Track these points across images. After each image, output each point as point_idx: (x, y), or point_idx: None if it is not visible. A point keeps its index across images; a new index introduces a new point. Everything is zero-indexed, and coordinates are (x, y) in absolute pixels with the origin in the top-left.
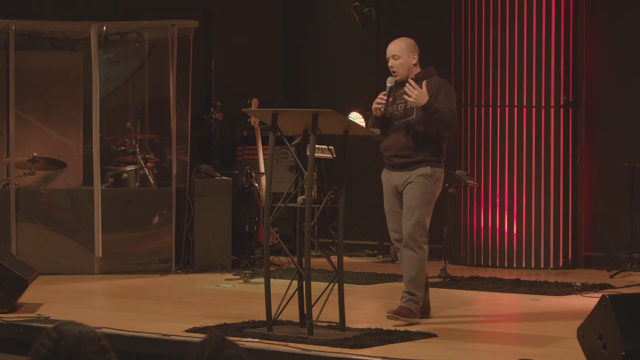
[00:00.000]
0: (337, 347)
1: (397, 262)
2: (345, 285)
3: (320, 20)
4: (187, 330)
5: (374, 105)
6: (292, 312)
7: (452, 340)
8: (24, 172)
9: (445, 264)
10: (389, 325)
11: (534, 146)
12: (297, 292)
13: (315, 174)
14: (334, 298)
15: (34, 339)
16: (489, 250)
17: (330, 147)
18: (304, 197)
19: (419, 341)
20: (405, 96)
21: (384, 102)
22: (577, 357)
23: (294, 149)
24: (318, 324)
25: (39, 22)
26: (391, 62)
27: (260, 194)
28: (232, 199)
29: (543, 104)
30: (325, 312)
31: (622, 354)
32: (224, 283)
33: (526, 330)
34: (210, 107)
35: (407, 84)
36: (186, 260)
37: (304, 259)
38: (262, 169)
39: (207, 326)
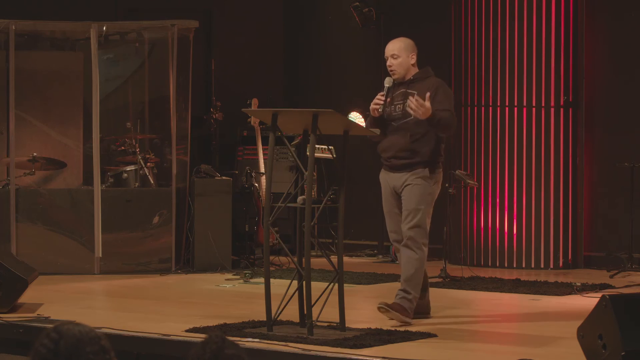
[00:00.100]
0: (337, 347)
1: (397, 262)
2: (345, 285)
3: (320, 20)
4: (187, 330)
5: (372, 106)
6: (292, 312)
7: (452, 340)
8: (24, 172)
9: (445, 264)
10: (389, 325)
11: (534, 146)
12: (297, 292)
13: (315, 174)
14: (334, 298)
15: (34, 339)
16: (489, 250)
17: (330, 147)
18: (304, 197)
19: (419, 341)
20: (408, 109)
21: (381, 102)
22: (577, 357)
23: (294, 149)
24: (318, 324)
25: (39, 22)
26: (390, 62)
27: (260, 194)
28: (232, 199)
29: (543, 104)
30: (325, 312)
31: (622, 354)
32: (224, 283)
33: (526, 330)
34: (210, 107)
35: (409, 98)
36: (186, 260)
37: (304, 259)
38: (262, 169)
39: (207, 326)
